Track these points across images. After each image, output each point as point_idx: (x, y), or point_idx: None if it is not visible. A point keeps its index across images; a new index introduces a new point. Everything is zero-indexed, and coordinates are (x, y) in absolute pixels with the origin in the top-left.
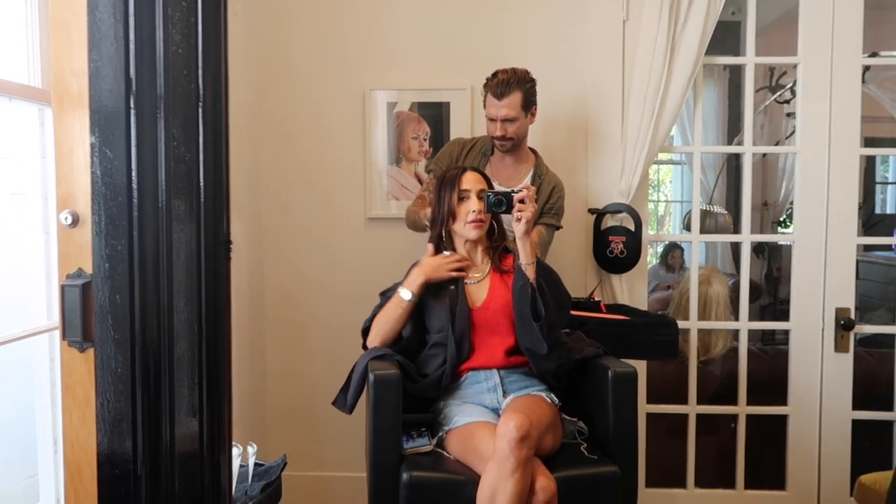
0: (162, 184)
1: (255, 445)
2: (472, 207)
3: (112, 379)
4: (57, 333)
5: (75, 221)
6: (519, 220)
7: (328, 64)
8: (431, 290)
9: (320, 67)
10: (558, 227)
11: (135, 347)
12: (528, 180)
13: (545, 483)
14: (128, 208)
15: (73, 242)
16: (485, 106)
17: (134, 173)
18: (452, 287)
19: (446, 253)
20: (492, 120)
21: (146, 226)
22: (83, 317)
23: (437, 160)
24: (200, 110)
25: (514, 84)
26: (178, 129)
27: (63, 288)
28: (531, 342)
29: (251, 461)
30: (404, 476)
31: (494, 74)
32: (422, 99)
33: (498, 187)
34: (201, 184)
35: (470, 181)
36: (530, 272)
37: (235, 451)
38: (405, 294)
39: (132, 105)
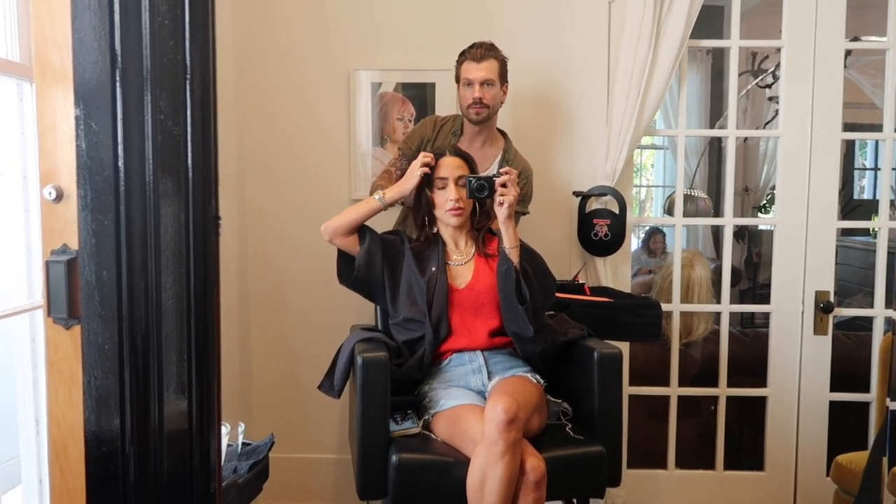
0: (149, 158)
1: (243, 424)
2: (449, 196)
3: (99, 356)
4: (38, 313)
5: (59, 196)
6: (501, 204)
7: (313, 42)
8: (412, 264)
9: (305, 46)
10: (525, 213)
11: (122, 324)
12: (496, 164)
13: (535, 463)
14: (114, 182)
15: (58, 218)
16: (458, 78)
17: (120, 147)
18: (434, 268)
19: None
20: (469, 84)
21: (133, 200)
22: (68, 293)
23: (407, 139)
24: (188, 83)
25: (493, 52)
26: (165, 103)
27: (47, 264)
28: (517, 326)
29: (240, 440)
30: (393, 458)
31: (472, 45)
32: (407, 80)
33: None
34: (189, 158)
35: (448, 168)
36: (514, 256)
37: (224, 430)
38: (378, 196)
39: (118, 77)
